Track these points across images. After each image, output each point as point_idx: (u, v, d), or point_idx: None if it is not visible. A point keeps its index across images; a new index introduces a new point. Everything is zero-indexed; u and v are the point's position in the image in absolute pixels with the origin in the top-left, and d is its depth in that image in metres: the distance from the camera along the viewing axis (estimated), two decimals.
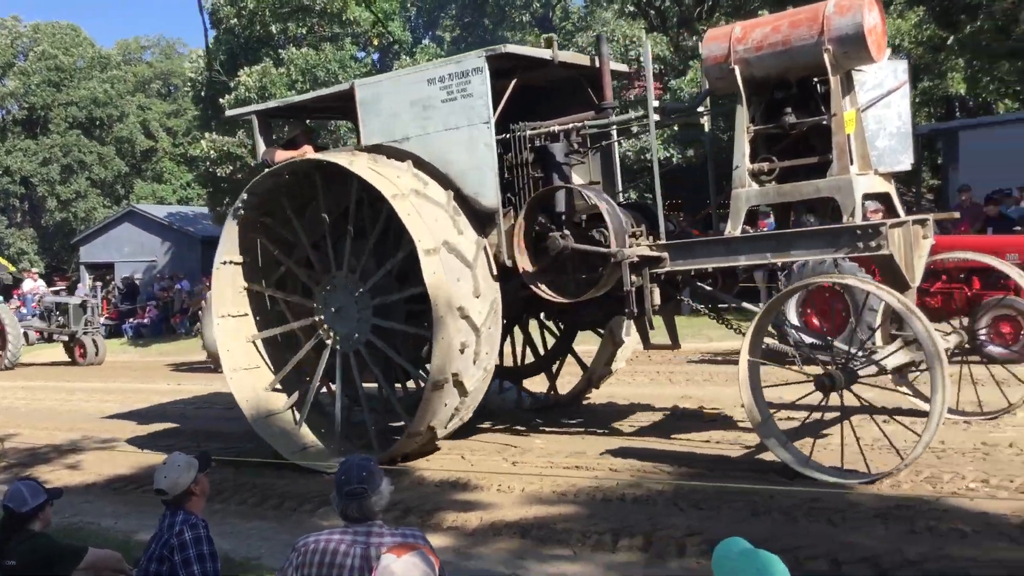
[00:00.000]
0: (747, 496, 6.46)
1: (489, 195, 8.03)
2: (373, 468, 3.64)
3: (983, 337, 8.84)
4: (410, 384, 9.64)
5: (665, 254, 7.68)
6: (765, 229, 12.41)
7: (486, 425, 9.73)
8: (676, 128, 16.78)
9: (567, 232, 7.94)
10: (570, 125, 8.24)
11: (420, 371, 8.77)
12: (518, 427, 9.53)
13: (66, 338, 22.51)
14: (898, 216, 7.44)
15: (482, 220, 8.17)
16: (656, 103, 7.70)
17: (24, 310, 24.91)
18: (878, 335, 8.16)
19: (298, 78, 24.51)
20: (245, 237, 9.09)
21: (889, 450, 6.80)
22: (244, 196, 8.91)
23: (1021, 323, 10.00)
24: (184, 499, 4.35)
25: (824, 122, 7.00)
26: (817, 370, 7.03)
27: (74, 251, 38.45)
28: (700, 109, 8.66)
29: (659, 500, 6.66)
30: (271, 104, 10.03)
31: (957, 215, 10.41)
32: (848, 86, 7.21)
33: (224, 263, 9.05)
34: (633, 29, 25.37)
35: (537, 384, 10.80)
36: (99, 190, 44.64)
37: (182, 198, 45.27)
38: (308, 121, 10.48)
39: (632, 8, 24.96)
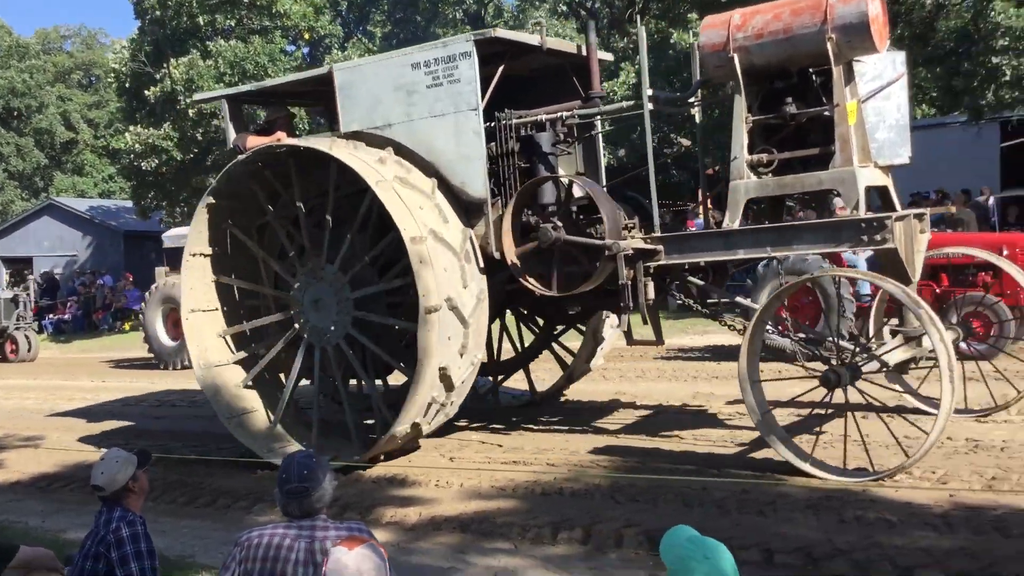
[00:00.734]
0: (681, 488, 6.59)
1: (477, 184, 7.79)
2: (315, 465, 3.59)
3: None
4: (391, 380, 9.42)
5: (660, 247, 7.48)
6: (693, 229, 12.59)
7: None
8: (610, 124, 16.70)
9: (559, 224, 7.69)
10: (559, 114, 7.99)
11: (403, 365, 8.45)
12: (457, 423, 9.53)
13: None
14: (896, 210, 7.24)
15: (468, 210, 7.91)
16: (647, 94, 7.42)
17: None
18: (871, 330, 8.11)
19: (226, 71, 24.14)
20: (215, 228, 8.72)
21: (886, 447, 6.85)
22: (214, 184, 8.55)
23: (991, 319, 10.03)
24: (121, 495, 4.25)
25: (826, 113, 6.81)
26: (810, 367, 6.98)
27: None
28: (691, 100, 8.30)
29: (596, 493, 6.75)
30: (242, 89, 9.66)
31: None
32: (849, 76, 7.01)
33: (193, 255, 8.70)
34: (565, 29, 25.51)
35: (514, 381, 10.60)
36: (17, 182, 43.37)
37: (104, 191, 44.18)
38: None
39: (564, 8, 25.11)
